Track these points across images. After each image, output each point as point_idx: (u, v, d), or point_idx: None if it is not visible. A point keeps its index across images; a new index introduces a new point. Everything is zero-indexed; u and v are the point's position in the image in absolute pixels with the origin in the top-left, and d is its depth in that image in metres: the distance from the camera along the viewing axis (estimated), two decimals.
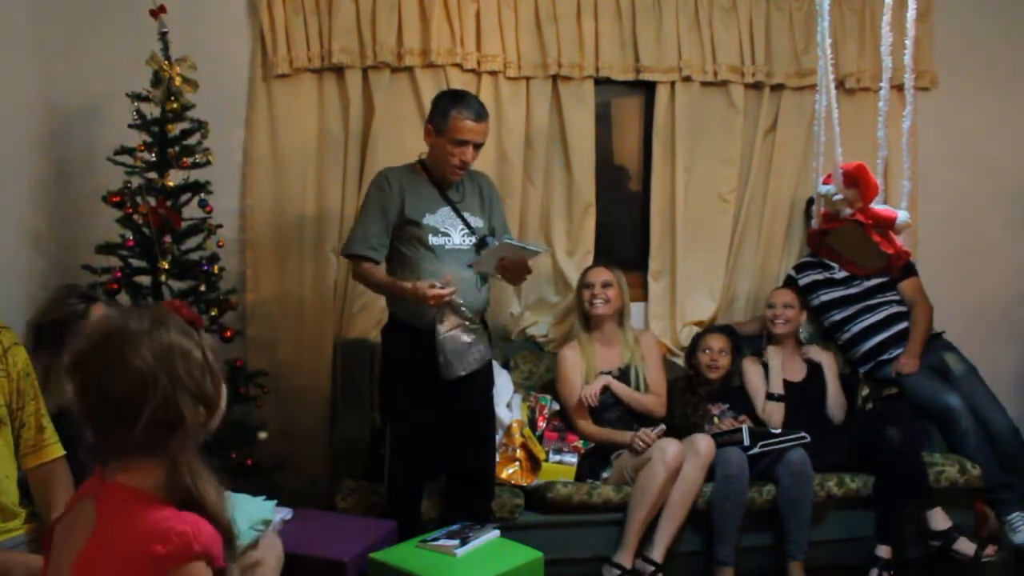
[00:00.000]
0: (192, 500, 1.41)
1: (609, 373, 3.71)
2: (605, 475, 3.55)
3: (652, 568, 3.28)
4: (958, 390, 3.80)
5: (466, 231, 3.14)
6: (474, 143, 3.08)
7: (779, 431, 3.57)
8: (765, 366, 3.87)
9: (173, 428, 1.40)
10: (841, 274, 4.00)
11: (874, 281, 3.99)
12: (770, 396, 3.79)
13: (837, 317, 4.06)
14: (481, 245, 3.15)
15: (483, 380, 3.26)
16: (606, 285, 3.73)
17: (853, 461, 3.59)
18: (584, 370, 3.70)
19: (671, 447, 3.32)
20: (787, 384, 3.83)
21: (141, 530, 1.37)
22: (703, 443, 3.38)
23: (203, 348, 1.47)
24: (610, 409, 3.66)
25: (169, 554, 1.34)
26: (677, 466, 3.30)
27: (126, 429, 1.38)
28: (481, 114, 3.09)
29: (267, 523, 2.46)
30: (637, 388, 3.70)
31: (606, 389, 3.65)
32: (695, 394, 3.80)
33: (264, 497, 2.58)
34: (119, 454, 1.43)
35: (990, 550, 3.41)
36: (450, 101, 3.09)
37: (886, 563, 3.44)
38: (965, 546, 3.45)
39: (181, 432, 1.41)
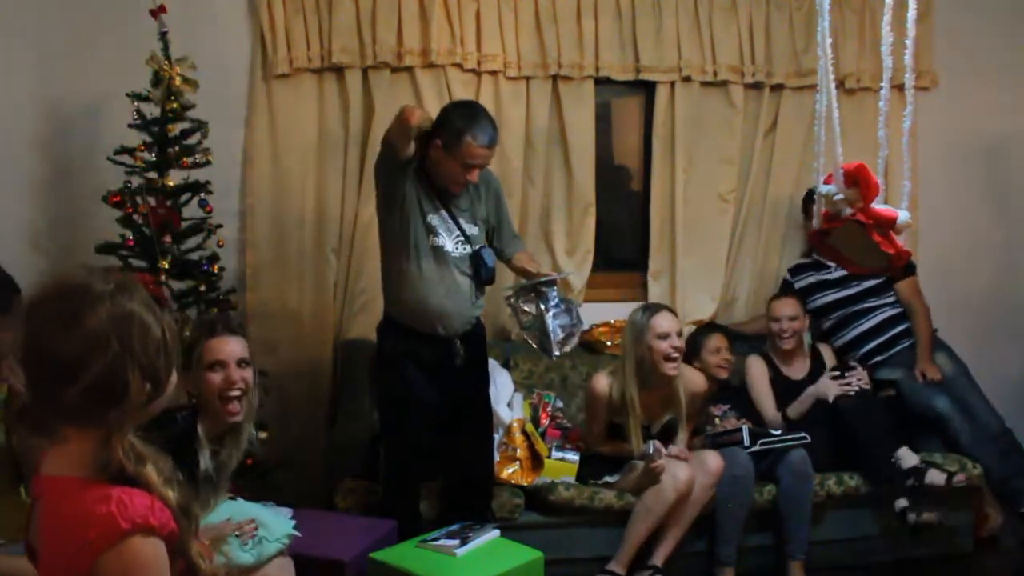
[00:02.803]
0: (131, 480, 1.33)
1: (648, 428, 3.42)
2: (610, 479, 3.49)
3: (650, 571, 3.27)
4: (948, 392, 3.80)
5: (460, 238, 3.11)
6: (482, 166, 3.05)
7: (779, 431, 3.57)
8: (770, 368, 3.85)
9: (114, 398, 1.33)
10: (836, 275, 3.98)
11: (871, 282, 3.98)
12: (785, 417, 3.71)
13: (833, 320, 4.05)
14: (476, 256, 3.12)
15: (475, 381, 3.26)
16: (678, 335, 3.37)
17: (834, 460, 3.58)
18: (630, 424, 3.38)
19: (682, 473, 3.24)
20: (790, 382, 3.83)
21: (71, 521, 1.31)
22: (712, 461, 3.32)
23: (163, 326, 1.41)
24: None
25: (94, 539, 1.27)
26: (687, 492, 3.25)
27: (64, 388, 1.31)
28: (494, 139, 3.02)
29: (291, 537, 2.48)
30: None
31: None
32: None
33: (289, 512, 2.62)
34: (53, 418, 1.36)
35: (960, 477, 3.46)
36: (465, 122, 2.98)
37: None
38: (936, 476, 3.47)
39: (122, 405, 1.34)
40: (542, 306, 3.06)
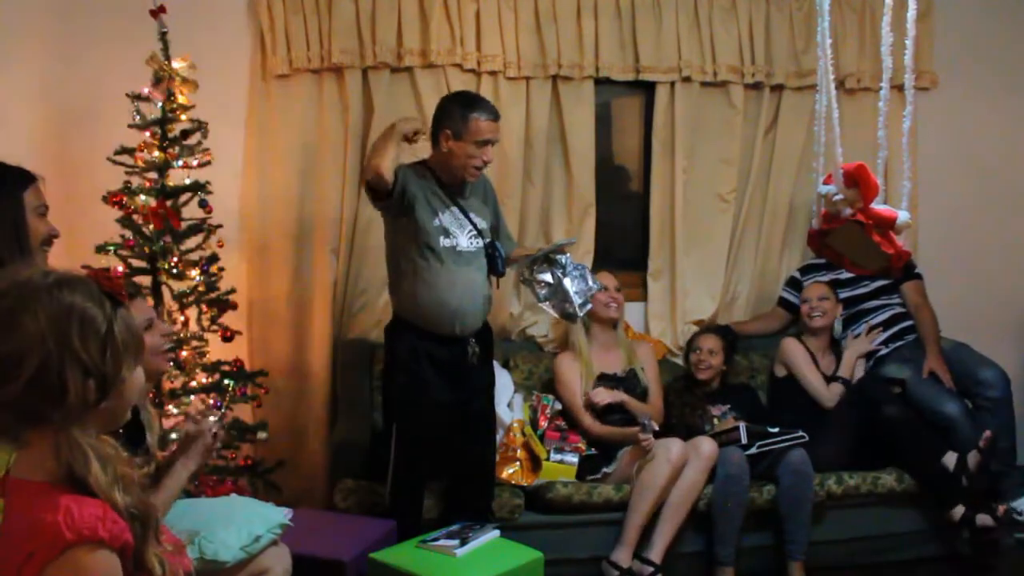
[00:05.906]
0: (81, 483, 1.27)
1: (613, 375, 3.72)
2: (606, 469, 3.53)
3: (651, 569, 3.27)
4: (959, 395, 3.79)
5: (473, 232, 3.14)
6: (493, 141, 3.09)
7: (776, 430, 3.56)
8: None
9: (53, 397, 1.28)
10: (846, 275, 3.99)
11: (881, 282, 3.99)
12: (835, 378, 3.76)
13: (842, 318, 4.04)
14: (492, 248, 3.15)
15: (485, 379, 3.27)
16: (617, 290, 3.77)
17: (858, 455, 3.58)
18: (583, 373, 3.71)
19: (675, 446, 3.32)
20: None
21: (21, 527, 1.25)
22: (706, 446, 3.38)
23: (110, 321, 1.32)
24: (614, 411, 3.64)
25: (37, 549, 1.21)
26: (680, 465, 3.30)
27: (4, 387, 1.27)
28: (496, 112, 3.11)
29: (283, 527, 2.48)
30: (643, 394, 3.72)
31: (622, 407, 3.58)
32: (693, 395, 3.80)
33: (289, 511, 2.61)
34: (10, 419, 1.31)
35: (986, 436, 3.47)
36: (465, 105, 3.08)
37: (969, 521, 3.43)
38: (971, 459, 3.48)
39: (65, 404, 1.28)
40: (559, 273, 3.15)
